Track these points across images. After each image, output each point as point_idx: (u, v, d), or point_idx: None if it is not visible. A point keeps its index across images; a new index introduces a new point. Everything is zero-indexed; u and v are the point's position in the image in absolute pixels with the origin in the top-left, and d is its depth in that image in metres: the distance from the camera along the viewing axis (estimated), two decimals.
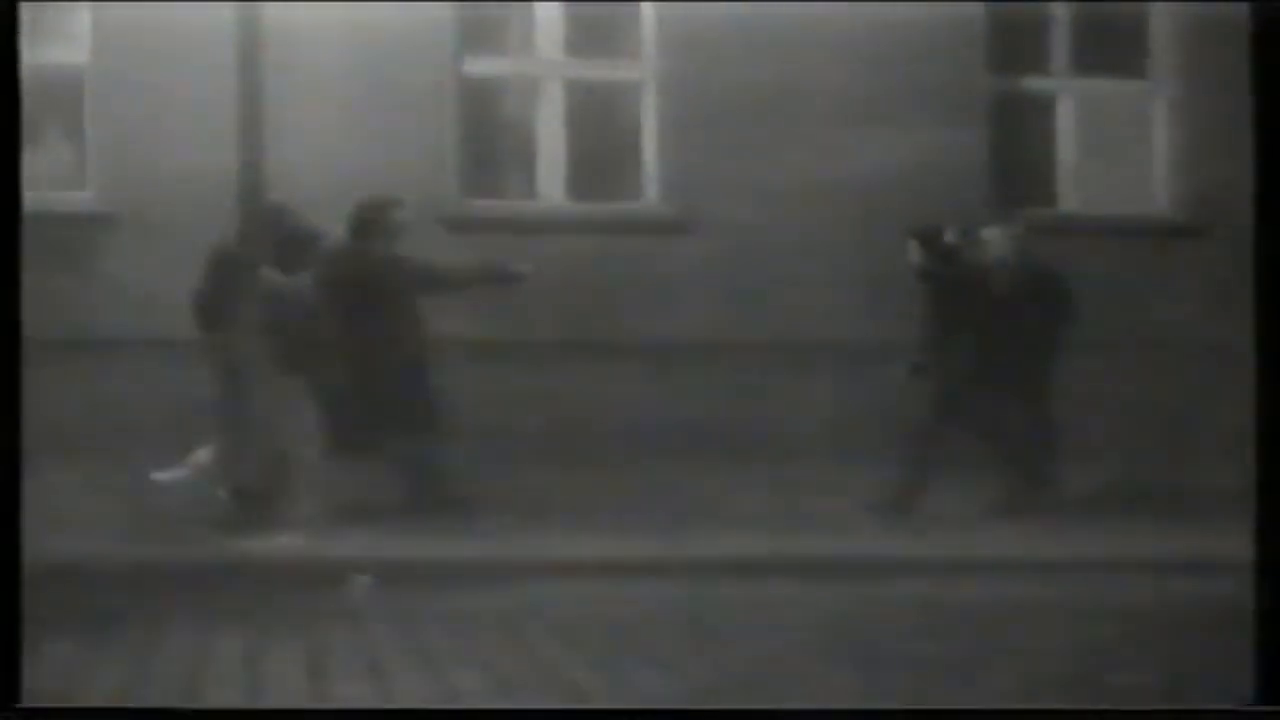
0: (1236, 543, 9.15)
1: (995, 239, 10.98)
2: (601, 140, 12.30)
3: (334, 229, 10.12)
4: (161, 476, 9.89)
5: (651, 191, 12.22)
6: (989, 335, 10.68)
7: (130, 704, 5.55)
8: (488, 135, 12.19)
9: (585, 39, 12.23)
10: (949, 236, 10.77)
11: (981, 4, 12.33)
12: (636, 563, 8.93)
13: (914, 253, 10.75)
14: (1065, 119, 12.73)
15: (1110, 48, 12.78)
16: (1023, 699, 5.78)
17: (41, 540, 5.50)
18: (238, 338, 9.59)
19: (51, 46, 11.27)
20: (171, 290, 11.05)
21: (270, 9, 9.78)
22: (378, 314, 10.02)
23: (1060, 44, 12.73)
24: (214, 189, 10.31)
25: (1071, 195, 12.72)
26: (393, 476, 10.07)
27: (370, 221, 10.20)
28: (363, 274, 10.09)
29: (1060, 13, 12.70)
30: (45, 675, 5.75)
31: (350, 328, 9.95)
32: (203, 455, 9.95)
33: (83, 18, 11.40)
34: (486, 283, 10.56)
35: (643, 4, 12.24)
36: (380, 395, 9.98)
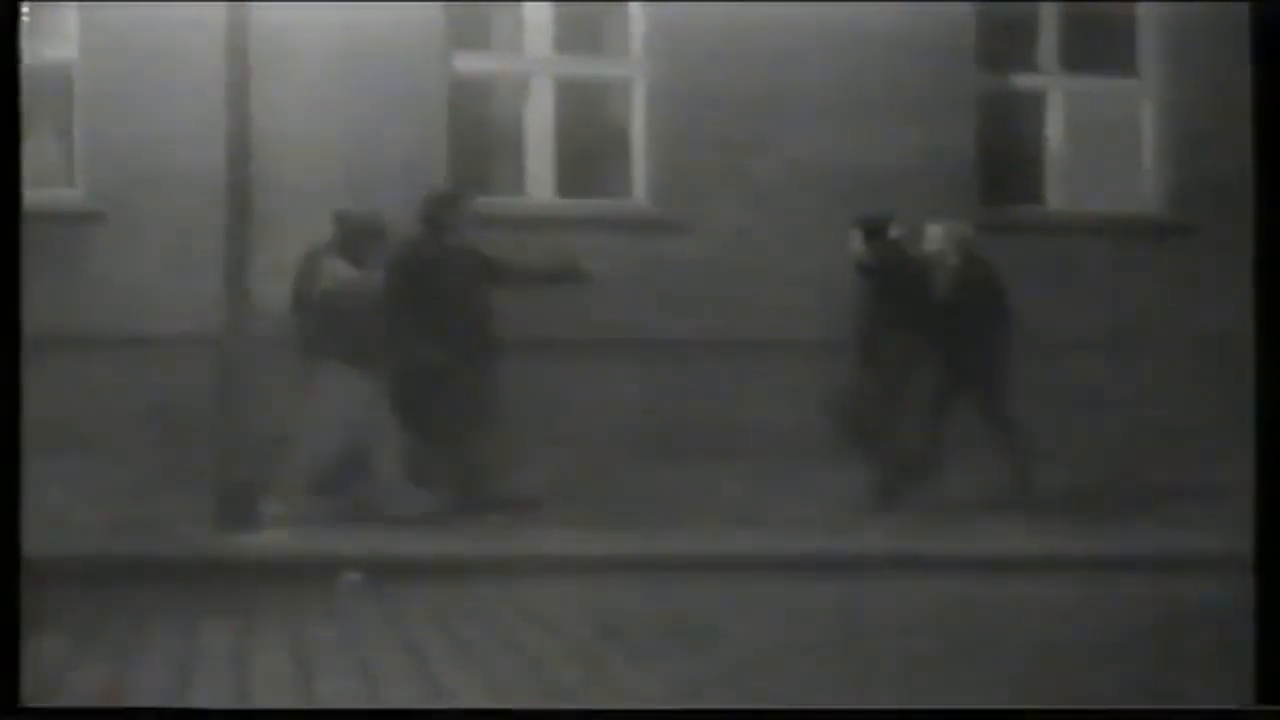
0: (1217, 541, 9.25)
1: (935, 236, 11.00)
2: (590, 138, 12.30)
3: (404, 222, 10.24)
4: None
5: (640, 189, 12.23)
6: (922, 331, 10.72)
7: (124, 704, 5.54)
8: (477, 133, 12.18)
9: (574, 37, 12.23)
10: (893, 230, 10.82)
11: (971, 3, 12.34)
12: (620, 560, 8.95)
13: (855, 243, 10.84)
14: (1054, 116, 12.74)
15: (1099, 46, 12.79)
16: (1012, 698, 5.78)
17: (30, 538, 5.49)
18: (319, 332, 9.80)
19: (40, 44, 11.25)
20: (160, 288, 11.08)
21: (258, 8, 9.78)
22: (449, 306, 10.13)
23: (1049, 42, 12.75)
24: (202, 187, 10.33)
25: (1060, 192, 12.74)
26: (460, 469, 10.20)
27: (441, 214, 10.32)
28: (435, 267, 10.19)
29: (1049, 11, 12.71)
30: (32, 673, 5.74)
31: (420, 320, 10.07)
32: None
33: (71, 16, 11.38)
34: (555, 280, 10.64)
35: (631, 3, 12.24)
36: (449, 387, 10.08)
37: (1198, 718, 4.75)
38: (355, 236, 10.13)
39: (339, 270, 10.03)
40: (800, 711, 5.25)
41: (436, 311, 10.06)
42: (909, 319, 10.70)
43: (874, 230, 10.82)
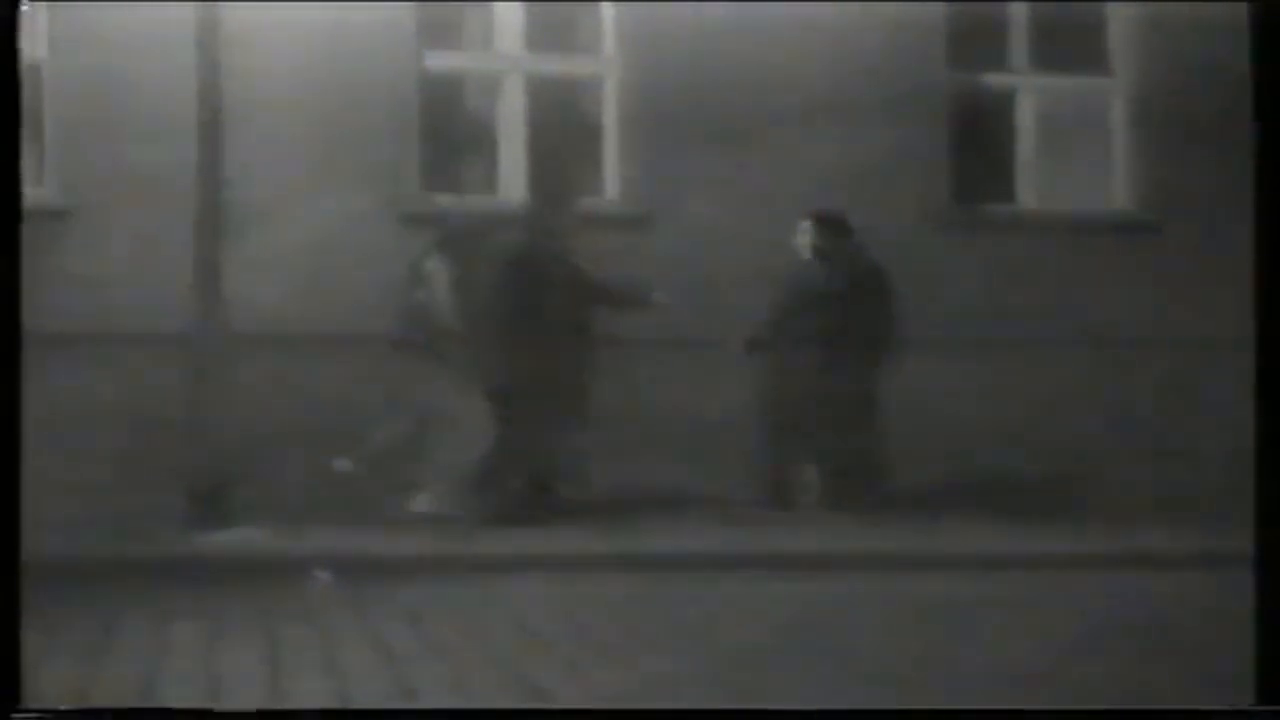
0: (1187, 539, 9.31)
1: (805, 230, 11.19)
2: (562, 136, 12.29)
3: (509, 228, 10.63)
4: (340, 464, 10.00)
5: (612, 187, 12.23)
6: (823, 328, 10.87)
7: (114, 704, 5.52)
8: (449, 131, 12.17)
9: (545, 35, 12.22)
10: (836, 230, 11.00)
11: (942, 2, 12.36)
12: (595, 558, 8.97)
13: (804, 234, 11.00)
14: (1025, 116, 12.77)
15: (1069, 45, 12.82)
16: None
17: None
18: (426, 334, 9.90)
19: None
20: (130, 285, 11.05)
21: (229, 7, 9.77)
22: (552, 313, 10.26)
23: (1020, 42, 12.77)
24: (173, 185, 10.30)
25: (1031, 192, 12.76)
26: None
27: (551, 217, 10.53)
28: (541, 272, 10.40)
29: (1020, 11, 12.73)
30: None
31: (519, 323, 10.22)
32: (379, 440, 10.03)
33: (41, 15, 11.31)
34: (630, 305, 10.93)
35: (602, 1, 12.24)
36: (545, 389, 10.20)
37: (1197, 718, 4.76)
38: (458, 240, 10.28)
39: (442, 276, 10.12)
40: (792, 712, 5.25)
41: (543, 317, 10.25)
42: (814, 313, 10.88)
43: (825, 226, 11.02)
